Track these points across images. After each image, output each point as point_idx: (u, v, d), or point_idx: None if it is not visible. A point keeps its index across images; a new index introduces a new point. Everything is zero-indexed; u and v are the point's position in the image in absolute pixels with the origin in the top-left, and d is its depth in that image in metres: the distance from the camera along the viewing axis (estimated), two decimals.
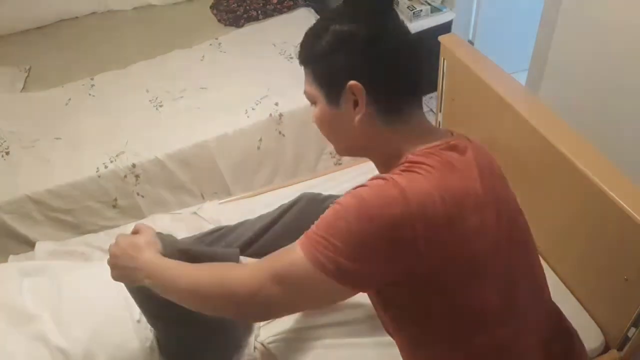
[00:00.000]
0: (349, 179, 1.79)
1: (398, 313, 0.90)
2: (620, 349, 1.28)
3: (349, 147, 0.95)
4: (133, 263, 1.00)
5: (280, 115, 2.13)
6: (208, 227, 1.65)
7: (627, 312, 1.22)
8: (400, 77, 0.86)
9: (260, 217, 1.50)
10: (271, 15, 2.75)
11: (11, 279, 1.30)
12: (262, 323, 1.34)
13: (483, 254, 0.83)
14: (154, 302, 1.11)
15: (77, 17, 2.90)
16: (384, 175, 0.82)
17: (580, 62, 1.95)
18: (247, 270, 0.87)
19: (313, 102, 0.92)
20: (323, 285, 0.78)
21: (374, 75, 0.84)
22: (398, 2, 2.87)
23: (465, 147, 0.88)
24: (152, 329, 1.24)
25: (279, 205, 1.54)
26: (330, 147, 2.23)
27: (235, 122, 2.10)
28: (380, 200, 0.77)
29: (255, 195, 1.83)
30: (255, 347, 1.31)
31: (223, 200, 1.84)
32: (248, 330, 1.31)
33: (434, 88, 1.87)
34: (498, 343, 0.88)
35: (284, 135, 2.15)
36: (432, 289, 0.82)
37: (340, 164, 2.23)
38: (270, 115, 2.12)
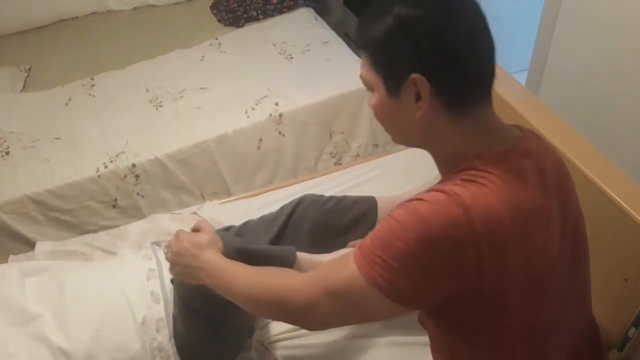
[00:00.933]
0: (349, 179, 1.79)
1: (445, 323, 0.85)
2: (620, 349, 1.28)
3: (407, 139, 0.87)
4: (195, 262, 1.01)
5: (280, 115, 2.13)
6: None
7: (627, 312, 1.21)
8: (470, 70, 0.78)
9: (263, 218, 1.50)
10: (271, 15, 2.74)
11: (12, 278, 1.30)
12: (261, 323, 1.34)
13: (544, 273, 0.79)
14: (193, 294, 1.14)
15: (77, 17, 2.89)
16: (443, 187, 0.75)
17: (580, 62, 1.95)
18: (301, 282, 0.85)
19: (369, 88, 0.84)
20: (379, 303, 0.76)
21: (440, 67, 0.76)
22: None
23: (536, 151, 0.82)
24: (159, 326, 1.24)
25: (279, 205, 1.54)
26: (330, 147, 2.23)
27: (235, 122, 2.09)
28: (442, 220, 0.71)
29: (255, 195, 1.83)
30: (255, 348, 1.31)
31: (223, 200, 1.84)
32: (249, 331, 1.31)
33: None
34: (541, 355, 0.85)
35: (284, 135, 2.15)
36: (486, 306, 0.78)
37: (340, 164, 2.23)
38: (270, 115, 2.12)
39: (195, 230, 1.09)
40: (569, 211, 0.85)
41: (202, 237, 1.05)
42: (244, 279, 0.94)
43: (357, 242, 0.96)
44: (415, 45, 0.75)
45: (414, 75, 0.75)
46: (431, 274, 0.73)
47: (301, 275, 0.88)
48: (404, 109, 0.79)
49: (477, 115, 0.80)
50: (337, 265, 0.82)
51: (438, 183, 0.81)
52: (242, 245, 1.12)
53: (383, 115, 0.84)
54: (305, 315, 0.85)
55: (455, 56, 0.75)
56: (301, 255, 1.19)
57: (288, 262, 1.16)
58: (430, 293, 0.76)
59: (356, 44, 0.83)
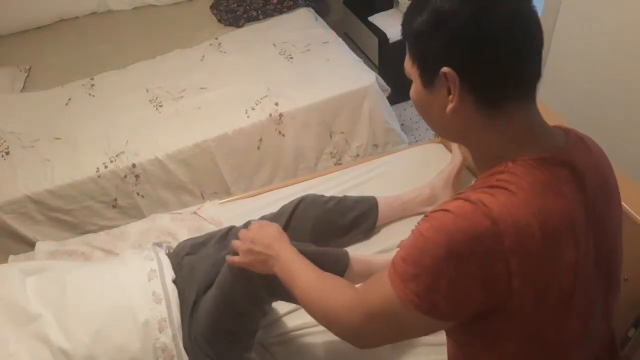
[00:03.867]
0: (349, 179, 1.79)
1: (469, 335, 0.84)
2: (620, 349, 1.28)
3: (443, 132, 0.87)
4: (269, 250, 1.06)
5: (280, 115, 2.13)
6: (208, 227, 1.65)
7: (627, 312, 1.21)
8: (506, 67, 0.74)
9: (263, 218, 1.50)
10: (271, 15, 2.74)
11: (13, 278, 1.30)
12: (261, 324, 1.34)
13: (573, 289, 0.77)
14: (245, 293, 1.18)
15: (77, 17, 2.89)
16: (471, 195, 0.73)
17: (580, 62, 1.95)
18: (346, 302, 0.87)
19: (410, 79, 0.83)
20: (417, 320, 0.75)
21: (473, 62, 0.74)
22: (398, 2, 2.88)
23: (578, 160, 0.78)
24: (161, 326, 1.24)
25: (279, 205, 1.54)
26: (330, 147, 2.23)
27: (235, 122, 2.09)
28: (469, 234, 0.70)
29: (255, 195, 1.83)
30: (255, 348, 1.31)
31: (223, 200, 1.84)
32: (253, 332, 1.31)
33: None
34: None
35: (284, 135, 2.15)
36: (514, 319, 0.76)
37: (340, 164, 2.24)
38: (270, 115, 2.12)
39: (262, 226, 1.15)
40: (608, 226, 0.83)
41: (274, 228, 1.12)
42: (304, 284, 0.98)
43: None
44: (448, 39, 0.74)
45: (445, 69, 0.74)
46: (463, 288, 0.72)
47: (349, 295, 0.89)
48: (437, 101, 0.79)
49: (515, 115, 0.77)
50: (374, 285, 0.83)
51: (468, 188, 0.79)
52: (300, 246, 1.14)
53: (419, 106, 0.84)
54: (353, 336, 0.88)
55: (488, 52, 0.73)
56: (353, 257, 1.28)
57: (342, 265, 1.25)
58: (465, 306, 0.75)
59: (401, 35, 0.83)
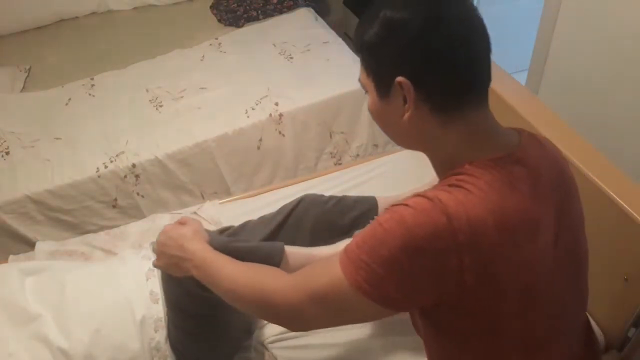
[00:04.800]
0: (349, 179, 1.79)
1: (435, 328, 0.85)
2: (620, 349, 1.28)
3: (402, 141, 0.88)
4: (181, 252, 1.01)
5: (280, 115, 2.13)
6: (208, 227, 1.65)
7: (627, 312, 1.22)
8: (459, 74, 0.76)
9: (262, 218, 1.50)
10: (271, 15, 2.74)
11: (12, 278, 1.30)
12: (260, 323, 1.34)
13: (535, 284, 0.78)
14: (180, 292, 1.13)
15: (77, 17, 2.89)
16: (429, 193, 0.75)
17: (580, 62, 1.95)
18: (287, 285, 0.85)
19: (365, 90, 0.85)
20: (365, 306, 0.76)
21: (426, 70, 0.76)
22: None
23: (532, 158, 0.80)
24: (157, 325, 1.24)
25: (279, 205, 1.54)
26: (330, 147, 2.23)
27: (235, 122, 2.09)
28: (426, 229, 0.71)
29: (255, 195, 1.83)
30: (255, 348, 1.31)
31: (223, 200, 1.84)
32: (248, 331, 1.31)
33: None
34: None
35: (284, 135, 2.15)
36: (475, 314, 0.78)
37: (340, 164, 2.23)
38: (270, 115, 2.12)
39: (181, 223, 1.09)
40: (569, 219, 0.84)
41: (187, 228, 1.05)
42: (231, 274, 0.93)
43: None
44: (400, 49, 0.76)
45: (399, 79, 0.76)
46: (415, 280, 0.74)
47: (287, 278, 0.88)
48: (394, 111, 0.80)
49: (470, 119, 0.79)
50: (321, 269, 0.82)
51: (429, 188, 0.81)
52: (228, 242, 1.11)
53: (377, 117, 0.85)
54: (291, 318, 0.86)
55: (440, 60, 0.75)
56: (290, 250, 1.17)
57: (275, 260, 1.14)
58: (416, 298, 0.77)
59: (354, 47, 0.84)
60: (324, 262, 0.83)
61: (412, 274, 0.73)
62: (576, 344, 0.92)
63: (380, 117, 0.85)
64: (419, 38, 0.74)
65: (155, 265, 1.08)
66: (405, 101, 0.78)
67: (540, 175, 0.79)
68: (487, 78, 0.80)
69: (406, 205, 0.75)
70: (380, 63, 0.79)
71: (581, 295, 0.92)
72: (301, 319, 0.85)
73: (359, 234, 0.79)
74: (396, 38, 0.76)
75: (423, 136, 0.81)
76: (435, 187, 0.78)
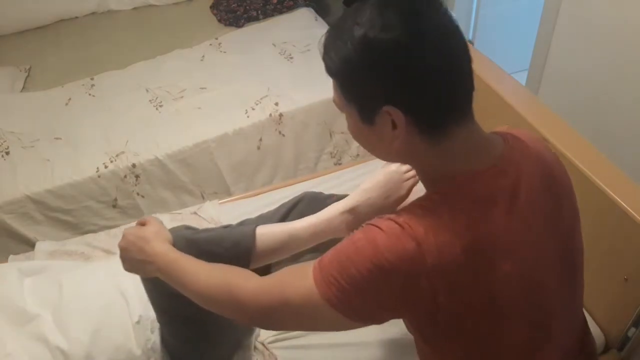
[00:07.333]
0: (349, 179, 1.79)
1: (417, 334, 0.86)
2: (620, 349, 1.28)
3: (387, 159, 0.87)
4: (142, 255, 0.98)
5: (280, 115, 2.13)
6: (208, 227, 1.65)
7: (627, 312, 1.22)
8: (446, 93, 0.73)
9: (261, 216, 1.50)
10: (271, 15, 2.75)
11: (12, 278, 1.30)
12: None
13: (514, 298, 0.78)
14: (163, 296, 1.11)
15: (77, 17, 2.90)
16: (399, 218, 0.74)
17: (580, 62, 1.95)
18: (258, 287, 0.84)
19: (342, 112, 0.81)
20: (335, 318, 0.77)
21: (412, 96, 0.72)
22: None
23: (516, 166, 0.78)
24: (153, 326, 1.24)
25: (279, 204, 1.54)
26: (330, 147, 2.23)
27: (235, 122, 2.09)
28: (395, 255, 0.72)
29: (255, 195, 1.83)
30: (255, 347, 1.31)
31: (223, 200, 1.84)
32: (249, 331, 1.31)
33: None
34: None
35: (284, 135, 2.15)
36: (451, 327, 0.78)
37: (340, 164, 2.23)
38: (270, 115, 2.12)
39: (141, 224, 1.05)
40: (560, 221, 0.83)
41: (147, 230, 1.01)
42: (197, 275, 0.91)
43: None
44: (386, 76, 0.71)
45: (386, 108, 0.72)
46: (382, 298, 0.75)
47: (257, 280, 0.86)
48: (379, 134, 0.76)
49: (456, 134, 0.75)
50: (295, 278, 0.82)
51: (406, 206, 0.80)
52: (192, 235, 1.09)
53: (361, 140, 0.83)
54: (262, 319, 0.87)
55: (427, 83, 0.71)
56: (264, 230, 1.11)
57: (243, 246, 1.10)
58: (384, 314, 0.79)
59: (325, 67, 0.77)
60: (298, 270, 0.83)
61: (379, 292, 0.74)
62: (569, 347, 0.92)
63: (366, 140, 0.82)
64: (406, 63, 0.70)
65: (125, 270, 1.05)
66: (393, 126, 0.74)
67: (520, 185, 0.78)
68: (470, 91, 0.76)
69: (379, 227, 0.75)
70: (364, 91, 0.74)
71: (575, 296, 0.91)
72: (272, 319, 0.86)
73: (333, 248, 0.79)
74: (380, 63, 0.70)
75: (410, 155, 0.80)
76: (411, 206, 0.78)
